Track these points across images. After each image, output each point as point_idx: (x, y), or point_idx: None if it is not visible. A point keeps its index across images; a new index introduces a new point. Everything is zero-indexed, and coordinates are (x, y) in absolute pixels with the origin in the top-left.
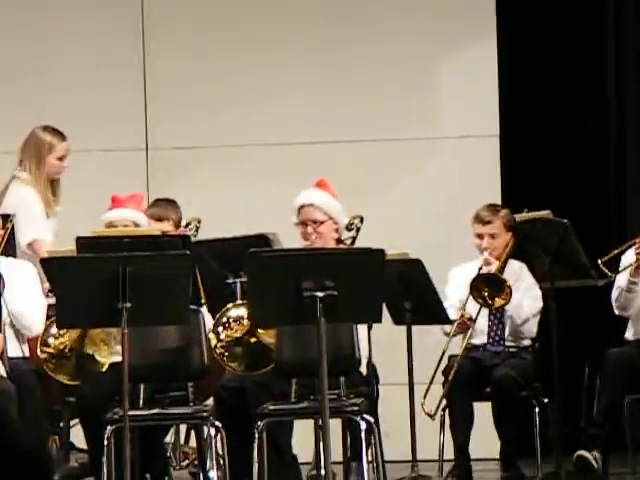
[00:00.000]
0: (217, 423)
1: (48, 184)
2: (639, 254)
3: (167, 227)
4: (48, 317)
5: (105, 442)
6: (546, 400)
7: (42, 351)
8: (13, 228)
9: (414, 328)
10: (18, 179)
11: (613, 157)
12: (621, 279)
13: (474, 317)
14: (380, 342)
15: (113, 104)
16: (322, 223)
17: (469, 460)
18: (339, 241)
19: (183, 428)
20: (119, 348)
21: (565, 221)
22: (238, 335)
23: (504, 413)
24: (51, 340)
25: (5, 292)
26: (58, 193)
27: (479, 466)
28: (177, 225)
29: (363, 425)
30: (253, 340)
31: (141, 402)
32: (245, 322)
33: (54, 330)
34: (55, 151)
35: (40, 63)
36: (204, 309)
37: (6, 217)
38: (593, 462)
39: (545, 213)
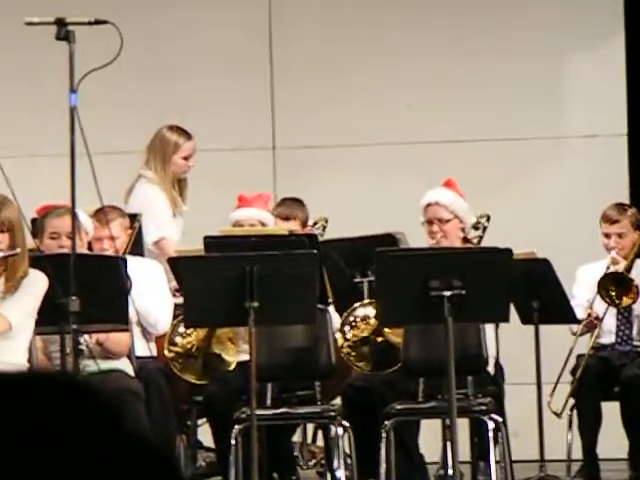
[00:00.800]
0: (344, 422)
1: (174, 183)
2: None
3: (294, 226)
4: (175, 316)
5: (232, 441)
6: None
7: (169, 350)
8: (140, 228)
9: (541, 327)
10: (144, 178)
11: None
12: None
13: (601, 316)
14: (507, 341)
15: (240, 104)
16: (448, 222)
17: (597, 460)
18: (465, 240)
19: (310, 427)
20: (246, 347)
21: None
22: (365, 334)
23: (633, 413)
24: (178, 339)
25: (132, 291)
26: (185, 192)
27: (608, 466)
28: (304, 224)
29: (491, 425)
30: (380, 339)
31: (268, 401)
32: (372, 321)
33: (181, 329)
34: (181, 151)
35: (168, 63)
36: (331, 308)
37: (134, 217)
38: None
39: None
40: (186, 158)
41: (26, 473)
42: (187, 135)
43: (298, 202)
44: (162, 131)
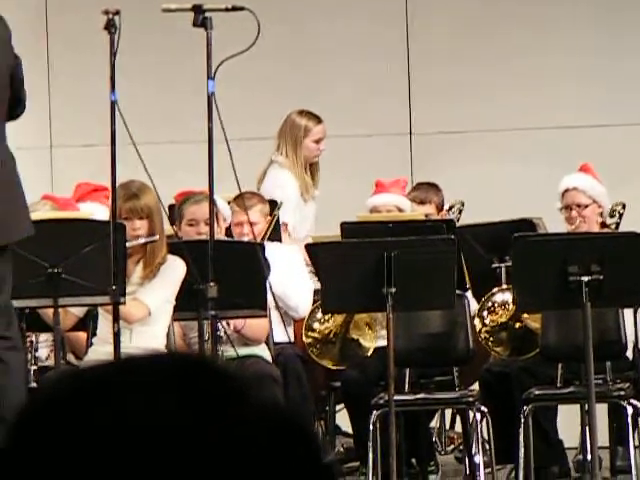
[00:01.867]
0: (482, 408)
1: (306, 168)
2: None
3: (429, 210)
4: (313, 302)
5: (371, 427)
6: None
7: (307, 336)
8: (278, 215)
9: None
10: (276, 163)
11: None
12: None
13: None
14: None
15: (376, 90)
16: (586, 207)
17: None
18: (603, 225)
19: (448, 413)
20: (384, 333)
21: None
22: (503, 320)
23: None
24: (316, 325)
25: (271, 276)
26: (317, 177)
27: None
28: (439, 208)
29: (629, 410)
30: (518, 325)
31: (406, 387)
32: (510, 307)
33: (319, 315)
34: (311, 134)
35: (304, 48)
36: (469, 294)
37: (274, 203)
38: None
39: None
40: (317, 141)
41: (171, 456)
42: (317, 119)
43: (434, 186)
44: (292, 116)
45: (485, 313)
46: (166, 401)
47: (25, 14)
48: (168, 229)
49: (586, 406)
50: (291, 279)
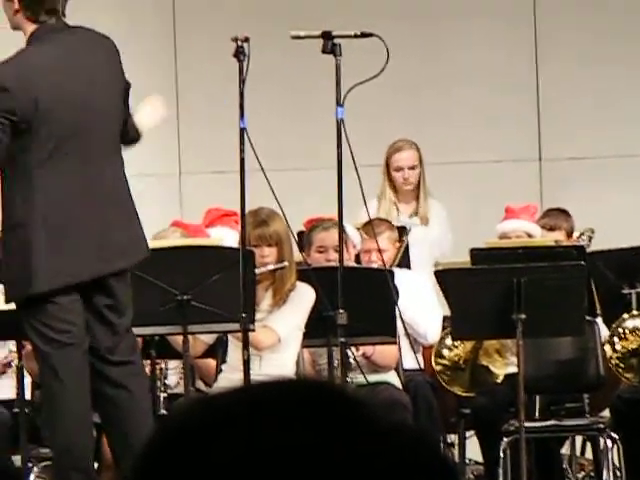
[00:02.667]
0: (613, 434)
1: (403, 194)
2: None
3: (559, 237)
4: (442, 328)
5: (501, 454)
6: None
7: (437, 363)
8: (408, 242)
9: None
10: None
11: None
12: None
13: None
14: None
15: (506, 116)
16: None
17: None
18: None
19: (579, 439)
20: (514, 359)
21: None
22: (634, 346)
23: None
24: (446, 352)
25: (400, 301)
26: (422, 203)
27: None
28: (569, 235)
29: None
30: None
31: (537, 413)
32: None
33: (449, 341)
34: (391, 161)
35: (433, 74)
36: (599, 320)
37: (403, 229)
38: None
39: None
40: (397, 170)
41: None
42: (398, 146)
43: (564, 213)
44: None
45: (616, 339)
46: (296, 429)
47: (154, 43)
48: (297, 256)
49: None
50: (420, 305)
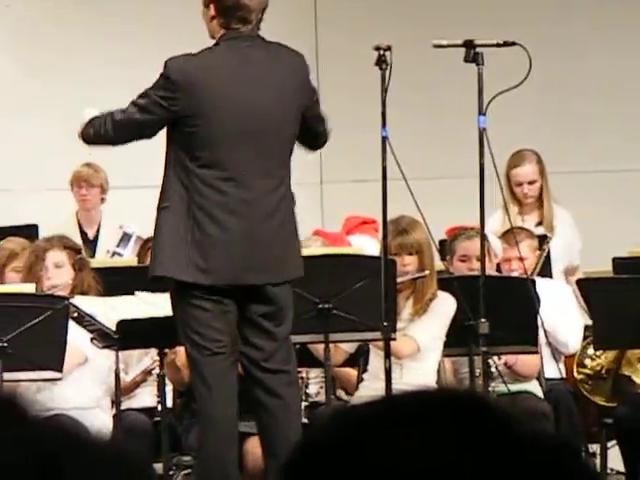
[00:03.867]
0: None
1: (526, 206)
2: None
3: None
4: (584, 338)
5: None
6: None
7: (578, 372)
8: (549, 250)
9: None
10: None
11: None
12: None
13: None
14: None
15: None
16: None
17: None
18: None
19: None
20: None
21: None
22: None
23: None
24: (588, 361)
25: (542, 310)
26: (547, 215)
27: None
28: None
29: None
30: None
31: None
32: None
33: (591, 351)
34: (511, 175)
35: (568, 89)
36: None
37: (543, 238)
38: None
39: None
40: (518, 184)
41: None
42: (516, 160)
43: None
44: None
45: None
46: (443, 439)
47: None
48: (439, 264)
49: None
50: (561, 314)
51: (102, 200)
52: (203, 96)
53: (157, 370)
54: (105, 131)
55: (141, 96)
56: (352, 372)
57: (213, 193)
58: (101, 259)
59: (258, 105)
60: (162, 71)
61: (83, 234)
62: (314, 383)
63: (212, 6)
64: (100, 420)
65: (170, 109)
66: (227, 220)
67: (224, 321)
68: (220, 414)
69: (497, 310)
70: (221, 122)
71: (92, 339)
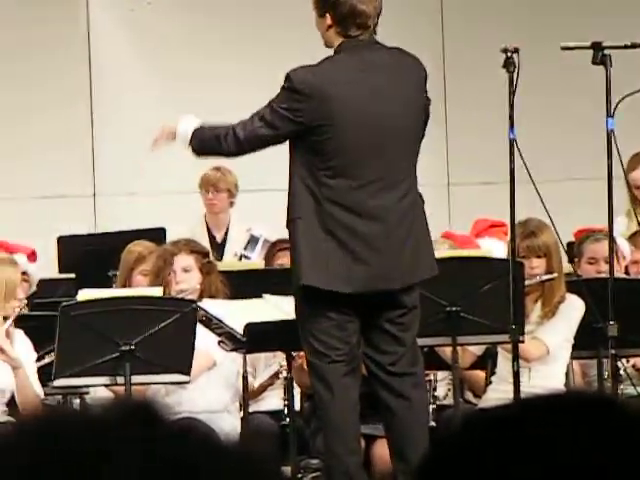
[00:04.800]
0: None
1: None
2: None
3: None
4: None
5: None
6: None
7: None
8: None
9: None
10: None
11: None
12: None
13: None
14: None
15: None
16: None
17: None
18: None
19: None
20: None
21: None
22: None
23: None
24: None
25: None
26: None
27: None
28: None
29: None
30: None
31: None
32: None
33: None
34: (630, 179)
35: None
36: None
37: None
38: None
39: None
40: (638, 187)
41: None
42: (634, 164)
43: None
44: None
45: None
46: (574, 441)
47: (425, 51)
48: (567, 267)
49: None
50: None
51: (231, 204)
52: (329, 106)
53: (285, 373)
54: (227, 146)
55: (265, 110)
56: (480, 375)
57: (343, 202)
58: (229, 262)
59: (385, 113)
60: (284, 84)
61: (211, 237)
62: (442, 385)
63: (328, 15)
64: (228, 423)
65: (296, 121)
66: (359, 228)
67: (346, 331)
68: (342, 419)
69: (626, 312)
70: (349, 131)
71: (220, 342)
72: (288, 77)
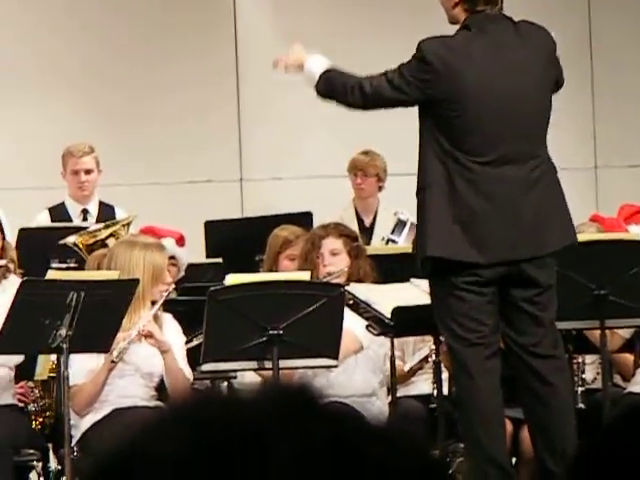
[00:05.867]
0: None
1: None
2: None
3: None
4: None
5: None
6: None
7: None
8: None
9: None
10: None
11: None
12: None
13: None
14: None
15: None
16: None
17: None
18: None
19: None
20: None
21: None
22: None
23: None
24: None
25: None
26: None
27: None
28: None
29: None
30: None
31: None
32: None
33: None
34: None
35: None
36: None
37: None
38: None
39: None
40: None
41: None
42: None
43: None
44: None
45: None
46: None
47: (569, 35)
48: None
49: None
50: None
51: (380, 188)
52: (461, 80)
53: (433, 357)
54: (353, 98)
55: (394, 73)
56: (629, 358)
57: (475, 175)
58: (377, 246)
59: (515, 89)
60: (416, 52)
61: (360, 221)
62: (590, 369)
63: None
64: (376, 408)
65: (425, 92)
66: (491, 200)
67: (484, 312)
68: (484, 403)
69: None
70: (480, 107)
71: (368, 326)
72: (420, 47)
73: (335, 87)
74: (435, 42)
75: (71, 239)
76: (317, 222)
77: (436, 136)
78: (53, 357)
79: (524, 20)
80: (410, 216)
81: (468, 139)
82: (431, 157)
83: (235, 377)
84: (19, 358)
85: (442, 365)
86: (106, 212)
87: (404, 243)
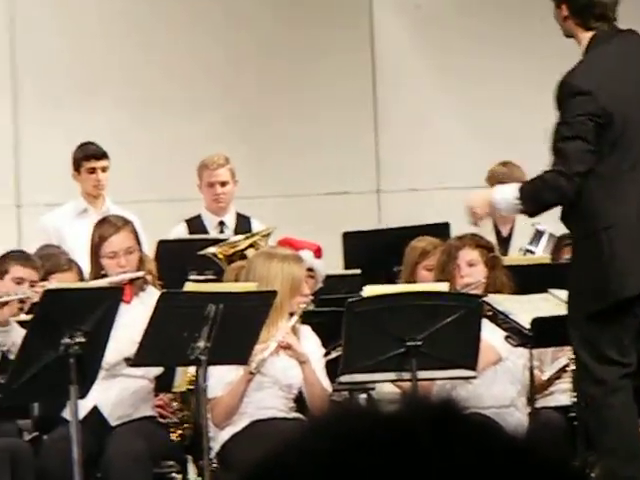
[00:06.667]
0: None
1: None
2: None
3: None
4: None
5: None
6: None
7: None
8: None
9: None
10: None
11: None
12: None
13: None
14: None
15: None
16: None
17: None
18: None
19: None
20: None
21: None
22: None
23: None
24: None
25: None
26: None
27: None
28: None
29: None
30: None
31: None
32: None
33: None
34: None
35: None
36: None
37: None
38: None
39: None
40: None
41: None
42: None
43: None
44: None
45: None
46: None
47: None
48: None
49: None
50: None
51: None
52: (606, 101)
53: (571, 367)
54: (563, 187)
55: (561, 130)
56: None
57: (622, 188)
58: (514, 257)
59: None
60: (563, 94)
61: (497, 232)
62: None
63: (564, 6)
64: (515, 418)
65: (595, 121)
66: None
67: (628, 330)
68: (620, 416)
69: None
70: (624, 125)
71: (506, 337)
72: (566, 84)
73: (540, 195)
74: (575, 73)
75: (211, 250)
76: (455, 233)
77: (610, 162)
78: (191, 369)
79: (633, 30)
80: (548, 227)
81: (618, 156)
82: (602, 195)
83: (373, 388)
84: (158, 370)
85: None
86: (243, 223)
87: (541, 253)
